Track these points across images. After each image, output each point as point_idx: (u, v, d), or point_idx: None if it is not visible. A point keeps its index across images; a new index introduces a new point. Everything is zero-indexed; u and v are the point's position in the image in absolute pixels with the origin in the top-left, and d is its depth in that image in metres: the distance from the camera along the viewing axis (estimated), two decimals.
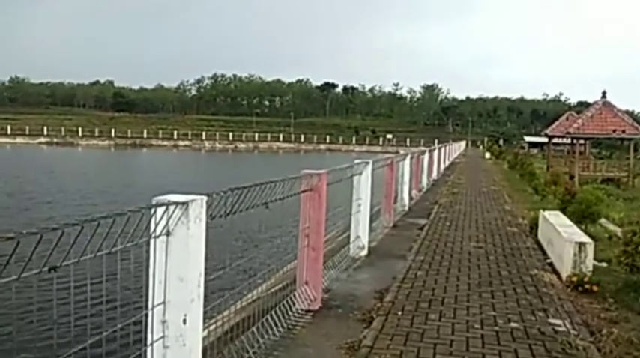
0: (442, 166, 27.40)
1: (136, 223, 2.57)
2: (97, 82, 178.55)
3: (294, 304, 5.30)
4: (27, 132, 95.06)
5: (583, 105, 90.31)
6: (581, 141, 36.82)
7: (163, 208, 2.80)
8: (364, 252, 8.17)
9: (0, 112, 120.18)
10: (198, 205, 2.98)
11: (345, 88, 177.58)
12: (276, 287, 5.89)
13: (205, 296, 3.10)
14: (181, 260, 2.91)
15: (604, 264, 7.90)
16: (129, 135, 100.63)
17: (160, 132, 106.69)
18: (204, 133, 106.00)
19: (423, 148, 21.62)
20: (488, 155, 56.62)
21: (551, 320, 5.43)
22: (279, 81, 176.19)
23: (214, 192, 3.28)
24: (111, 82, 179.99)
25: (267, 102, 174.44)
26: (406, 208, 13.23)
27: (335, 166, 6.33)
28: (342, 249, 7.84)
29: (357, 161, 7.89)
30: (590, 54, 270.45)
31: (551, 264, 7.96)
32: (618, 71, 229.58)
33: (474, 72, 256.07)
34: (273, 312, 4.86)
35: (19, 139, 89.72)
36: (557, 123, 42.91)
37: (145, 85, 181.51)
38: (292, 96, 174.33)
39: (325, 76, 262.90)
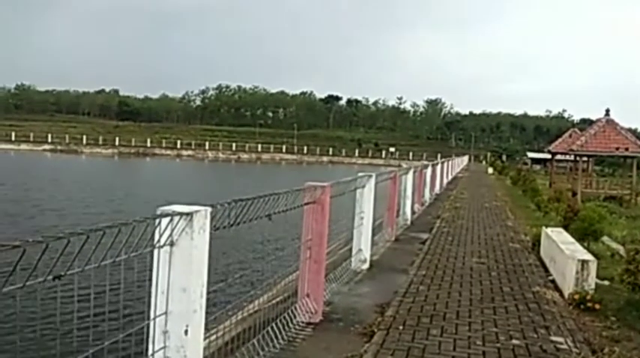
0: (445, 181, 27.36)
1: (140, 233, 2.58)
2: (102, 91, 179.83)
3: (295, 316, 5.27)
4: (31, 139, 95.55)
5: (586, 123, 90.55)
6: (584, 159, 36.85)
7: (168, 218, 2.81)
8: (366, 266, 8.15)
9: (5, 119, 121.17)
10: (202, 216, 2.99)
11: (348, 101, 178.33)
12: (277, 299, 5.88)
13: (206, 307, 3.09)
14: (184, 270, 2.91)
15: (606, 282, 7.86)
16: (133, 144, 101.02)
17: (164, 141, 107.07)
18: (207, 143, 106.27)
19: (425, 162, 21.62)
20: (491, 170, 56.50)
21: (553, 338, 5.39)
22: (283, 92, 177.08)
23: (218, 203, 3.29)
24: (116, 91, 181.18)
25: (270, 114, 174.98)
26: (408, 222, 13.21)
27: (338, 179, 6.34)
28: (344, 261, 7.82)
29: (360, 174, 7.89)
30: (595, 71, 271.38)
31: (553, 281, 7.92)
32: (622, 89, 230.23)
33: (478, 87, 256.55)
34: (274, 324, 4.84)
35: (23, 146, 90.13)
36: (560, 139, 43.01)
37: (149, 94, 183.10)
38: (296, 107, 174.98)
39: (329, 89, 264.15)
